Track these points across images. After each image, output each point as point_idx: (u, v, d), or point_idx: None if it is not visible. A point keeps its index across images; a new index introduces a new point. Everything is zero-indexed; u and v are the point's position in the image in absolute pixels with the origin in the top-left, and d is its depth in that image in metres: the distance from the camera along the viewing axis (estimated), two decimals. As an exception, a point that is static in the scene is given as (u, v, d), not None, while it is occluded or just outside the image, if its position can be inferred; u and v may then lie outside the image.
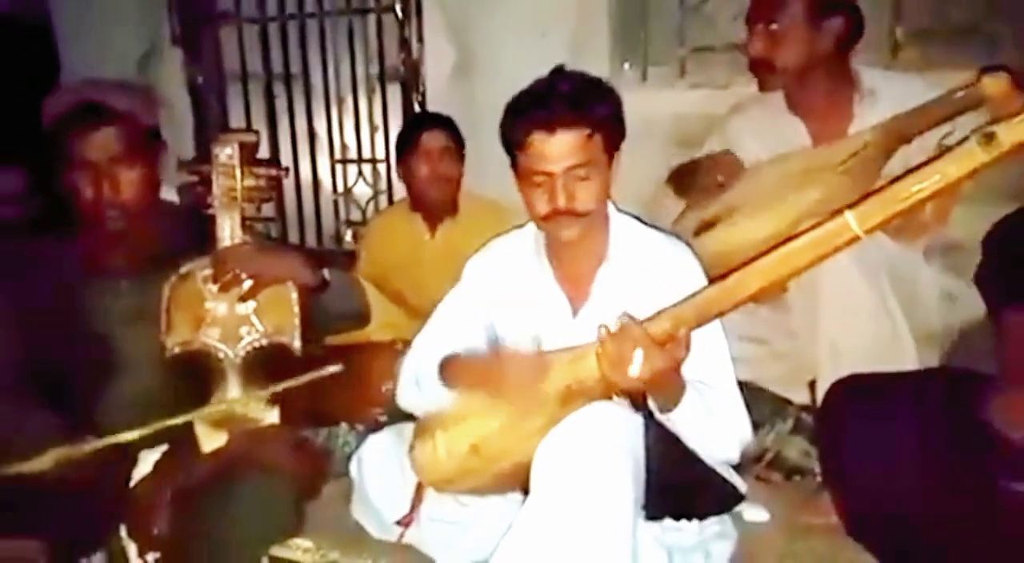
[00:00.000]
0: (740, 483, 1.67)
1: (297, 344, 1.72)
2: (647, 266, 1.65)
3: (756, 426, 1.95)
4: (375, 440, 1.84)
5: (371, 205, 3.52)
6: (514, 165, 1.64)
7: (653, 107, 2.73)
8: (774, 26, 1.99)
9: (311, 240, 3.61)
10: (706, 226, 2.07)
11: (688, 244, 1.73)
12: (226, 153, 1.71)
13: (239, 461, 1.62)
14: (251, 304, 1.72)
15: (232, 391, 1.70)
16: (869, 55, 2.28)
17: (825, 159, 1.93)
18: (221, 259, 1.70)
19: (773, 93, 2.13)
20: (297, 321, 1.71)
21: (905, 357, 1.80)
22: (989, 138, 0.95)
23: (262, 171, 1.76)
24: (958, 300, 1.95)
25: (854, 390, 1.60)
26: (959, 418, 1.44)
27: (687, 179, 2.22)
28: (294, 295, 1.71)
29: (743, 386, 2.11)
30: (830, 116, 2.05)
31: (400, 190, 2.87)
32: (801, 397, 2.06)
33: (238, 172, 1.71)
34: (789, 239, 1.33)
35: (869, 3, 2.15)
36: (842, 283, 1.78)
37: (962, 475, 1.42)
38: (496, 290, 1.76)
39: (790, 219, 1.80)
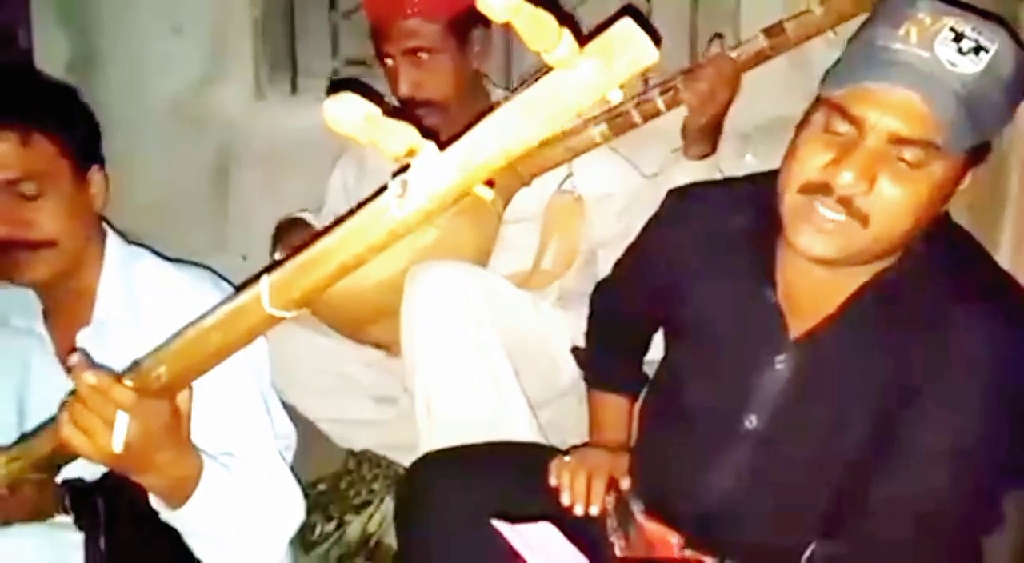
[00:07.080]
0: None
1: None
2: (149, 315, 1.35)
3: (366, 504, 1.72)
4: None
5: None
6: None
7: (304, 124, 2.41)
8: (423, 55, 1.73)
9: None
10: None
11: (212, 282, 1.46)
12: None
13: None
14: None
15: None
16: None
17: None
18: None
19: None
20: None
21: (513, 422, 1.59)
22: (404, 187, 0.71)
23: None
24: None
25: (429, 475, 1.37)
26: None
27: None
28: None
29: (358, 456, 1.85)
30: None
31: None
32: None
33: None
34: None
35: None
36: (437, 335, 1.54)
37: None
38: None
39: (402, 263, 1.55)
